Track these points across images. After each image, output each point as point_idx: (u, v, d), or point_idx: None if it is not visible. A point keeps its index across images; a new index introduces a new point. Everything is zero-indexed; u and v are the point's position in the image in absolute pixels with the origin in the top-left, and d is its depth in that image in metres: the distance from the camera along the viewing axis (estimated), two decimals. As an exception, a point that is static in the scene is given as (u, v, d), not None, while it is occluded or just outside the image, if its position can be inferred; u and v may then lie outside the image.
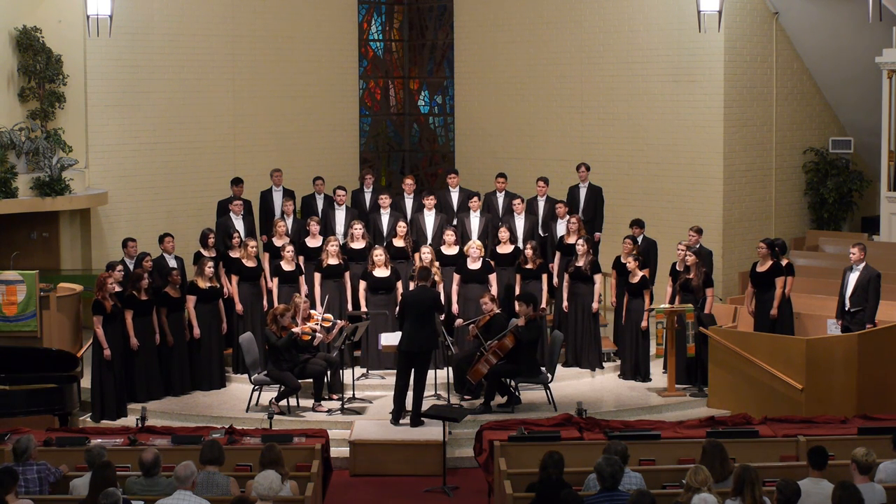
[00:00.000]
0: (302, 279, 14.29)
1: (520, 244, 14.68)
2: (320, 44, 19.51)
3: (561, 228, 15.09)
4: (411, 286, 13.18)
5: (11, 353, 12.35)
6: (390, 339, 13.23)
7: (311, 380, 13.13)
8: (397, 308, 13.31)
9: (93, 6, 15.64)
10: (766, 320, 13.82)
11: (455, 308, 14.24)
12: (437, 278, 13.88)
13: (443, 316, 13.85)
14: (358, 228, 14.61)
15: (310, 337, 13.12)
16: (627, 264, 14.15)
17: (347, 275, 14.32)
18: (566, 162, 17.84)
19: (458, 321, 13.60)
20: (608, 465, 8.08)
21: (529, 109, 19.08)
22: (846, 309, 13.39)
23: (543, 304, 13.96)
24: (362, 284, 14.11)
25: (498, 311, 13.29)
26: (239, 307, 14.17)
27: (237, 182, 16.20)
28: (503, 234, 14.63)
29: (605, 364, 14.59)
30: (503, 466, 9.60)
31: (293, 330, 12.92)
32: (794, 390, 12.64)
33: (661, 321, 13.57)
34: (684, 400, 13.56)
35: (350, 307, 14.27)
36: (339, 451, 11.87)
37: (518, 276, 14.30)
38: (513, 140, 19.33)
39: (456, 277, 14.25)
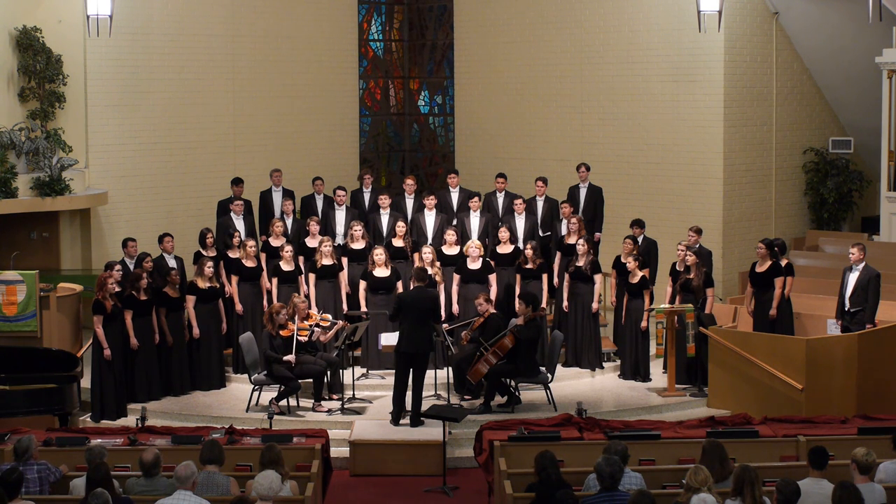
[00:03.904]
0: (301, 279, 14.28)
1: (520, 244, 14.69)
2: (320, 44, 19.50)
3: (564, 228, 15.08)
4: (411, 286, 13.17)
5: (11, 353, 12.34)
6: (390, 339, 13.20)
7: (311, 380, 13.14)
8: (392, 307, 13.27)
9: (93, 6, 15.64)
10: (765, 320, 13.81)
11: (455, 308, 14.24)
12: (437, 278, 13.88)
13: (444, 316, 13.87)
14: (357, 229, 14.61)
15: (308, 333, 13.12)
16: (627, 264, 14.15)
17: (342, 275, 14.32)
18: (566, 162, 17.85)
19: (444, 326, 13.48)
20: (608, 465, 8.07)
21: (529, 109, 19.07)
22: (846, 309, 13.38)
23: (543, 304, 13.95)
24: (362, 284, 14.10)
25: (493, 311, 13.29)
26: (239, 307, 14.17)
27: (237, 182, 16.21)
28: (503, 234, 14.63)
29: (605, 364, 14.59)
30: (503, 466, 9.60)
31: (286, 359, 12.88)
32: (794, 390, 12.64)
33: (661, 321, 13.57)
34: (684, 400, 13.56)
35: (345, 307, 14.27)
36: (339, 451, 11.87)
37: (518, 276, 14.30)
38: (513, 140, 19.32)
39: (456, 277, 14.26)
